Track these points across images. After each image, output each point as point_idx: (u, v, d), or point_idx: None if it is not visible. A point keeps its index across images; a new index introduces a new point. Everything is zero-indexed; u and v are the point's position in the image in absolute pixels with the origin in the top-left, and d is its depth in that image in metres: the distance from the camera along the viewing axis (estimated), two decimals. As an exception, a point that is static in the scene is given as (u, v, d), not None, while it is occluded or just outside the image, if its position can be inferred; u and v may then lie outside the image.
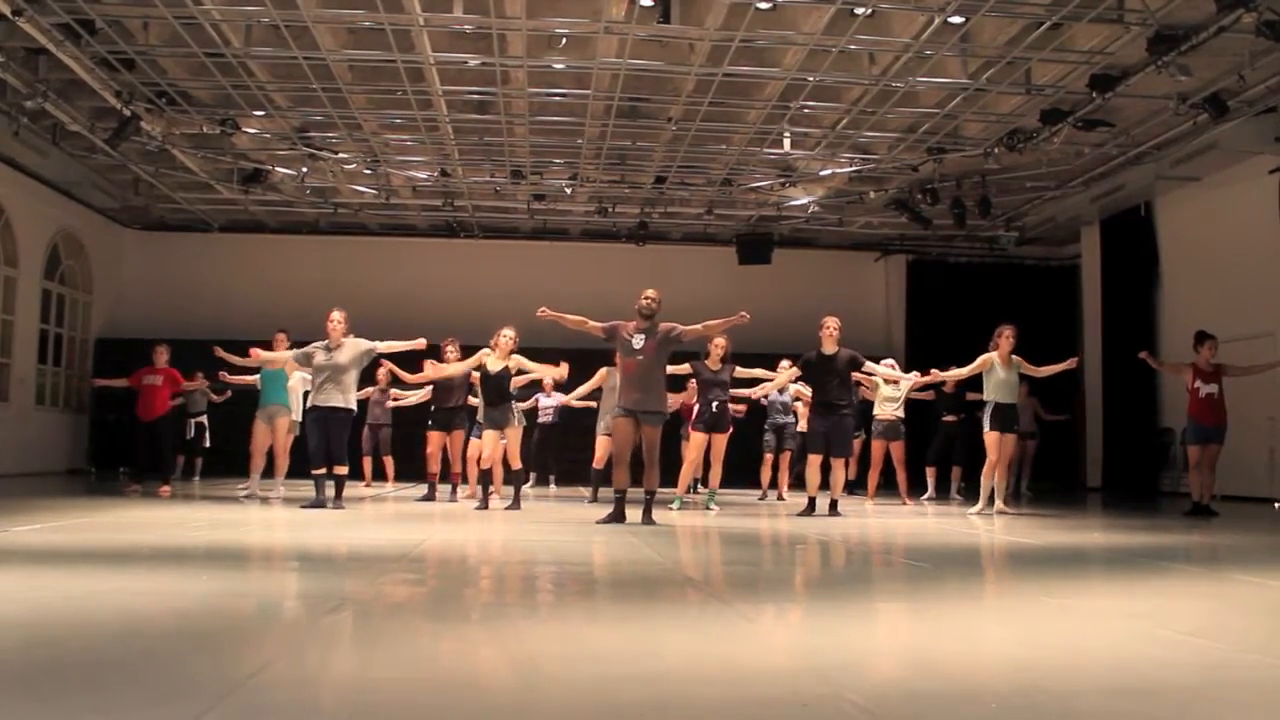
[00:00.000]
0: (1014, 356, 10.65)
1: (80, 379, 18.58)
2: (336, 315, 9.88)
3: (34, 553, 5.87)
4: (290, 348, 10.80)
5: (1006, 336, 10.65)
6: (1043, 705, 2.73)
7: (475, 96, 13.14)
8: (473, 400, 11.94)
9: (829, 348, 10.15)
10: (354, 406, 9.93)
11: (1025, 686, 2.92)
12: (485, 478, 10.54)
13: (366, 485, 14.68)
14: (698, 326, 8.91)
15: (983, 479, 10.82)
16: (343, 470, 9.83)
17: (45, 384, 17.62)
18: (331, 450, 9.74)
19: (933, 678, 3.09)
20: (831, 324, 10.22)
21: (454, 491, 12.30)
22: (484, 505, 10.25)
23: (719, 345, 11.04)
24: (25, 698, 2.60)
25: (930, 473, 13.88)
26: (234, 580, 5.22)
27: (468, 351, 11.89)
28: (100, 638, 3.40)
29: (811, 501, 10.21)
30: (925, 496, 13.68)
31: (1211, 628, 4.01)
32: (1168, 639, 3.75)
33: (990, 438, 10.65)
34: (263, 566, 5.97)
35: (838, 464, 10.26)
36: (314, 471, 9.84)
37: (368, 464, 14.98)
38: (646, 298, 8.92)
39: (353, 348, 9.87)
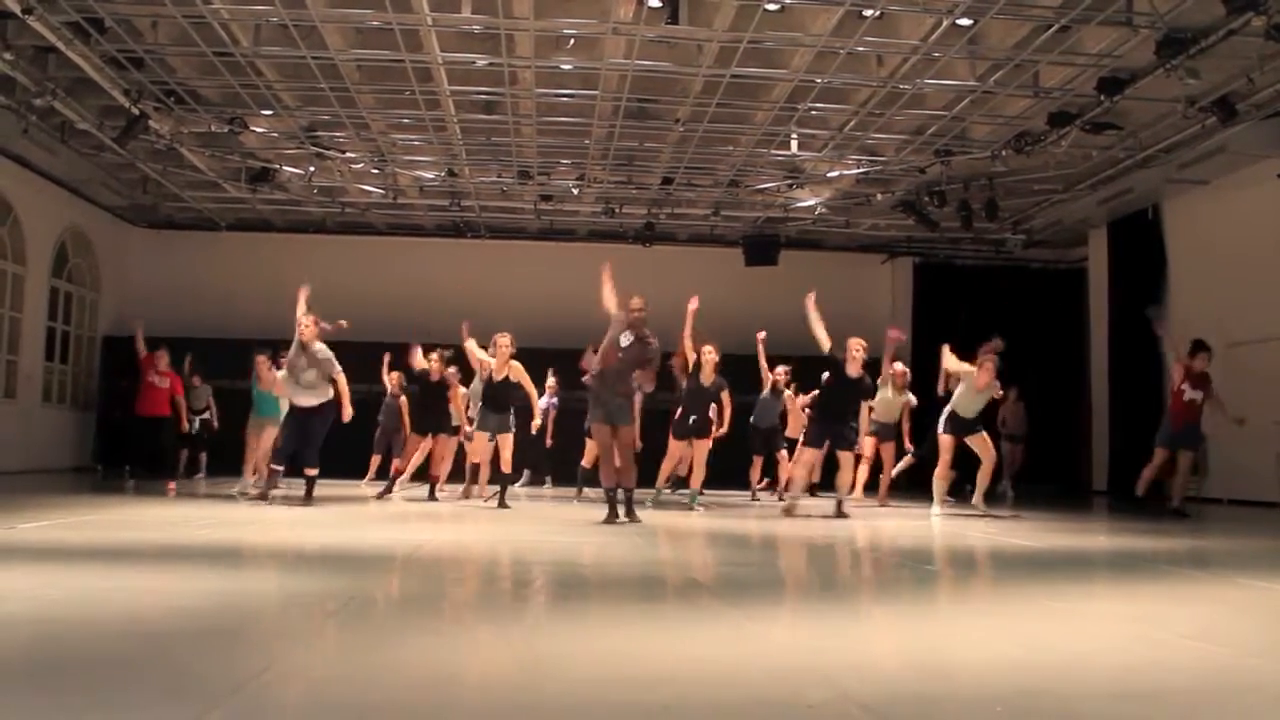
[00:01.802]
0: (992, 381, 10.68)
1: (87, 377, 18.62)
2: (306, 321, 10.09)
3: (40, 550, 5.89)
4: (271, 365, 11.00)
5: (987, 369, 10.62)
6: (1047, 709, 2.73)
7: (483, 97, 13.14)
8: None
9: (854, 371, 10.06)
10: (326, 399, 10.01)
11: (1029, 690, 2.92)
12: (500, 478, 10.60)
13: (369, 482, 14.69)
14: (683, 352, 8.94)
15: (935, 481, 10.93)
16: (312, 472, 9.97)
17: (52, 381, 17.65)
18: (303, 453, 9.95)
19: (937, 680, 3.09)
20: (857, 346, 10.06)
21: (432, 491, 12.28)
22: (496, 502, 10.36)
23: (710, 356, 11.04)
24: (31, 694, 2.62)
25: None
26: (239, 579, 5.24)
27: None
28: (105, 635, 3.41)
29: (796, 503, 10.36)
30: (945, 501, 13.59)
31: (1215, 632, 4.00)
32: (1171, 643, 3.75)
33: (943, 440, 10.83)
34: (267, 565, 5.98)
35: (845, 460, 10.26)
36: (273, 465, 10.07)
37: (376, 462, 14.94)
38: (635, 310, 8.96)
39: (323, 353, 10.01)
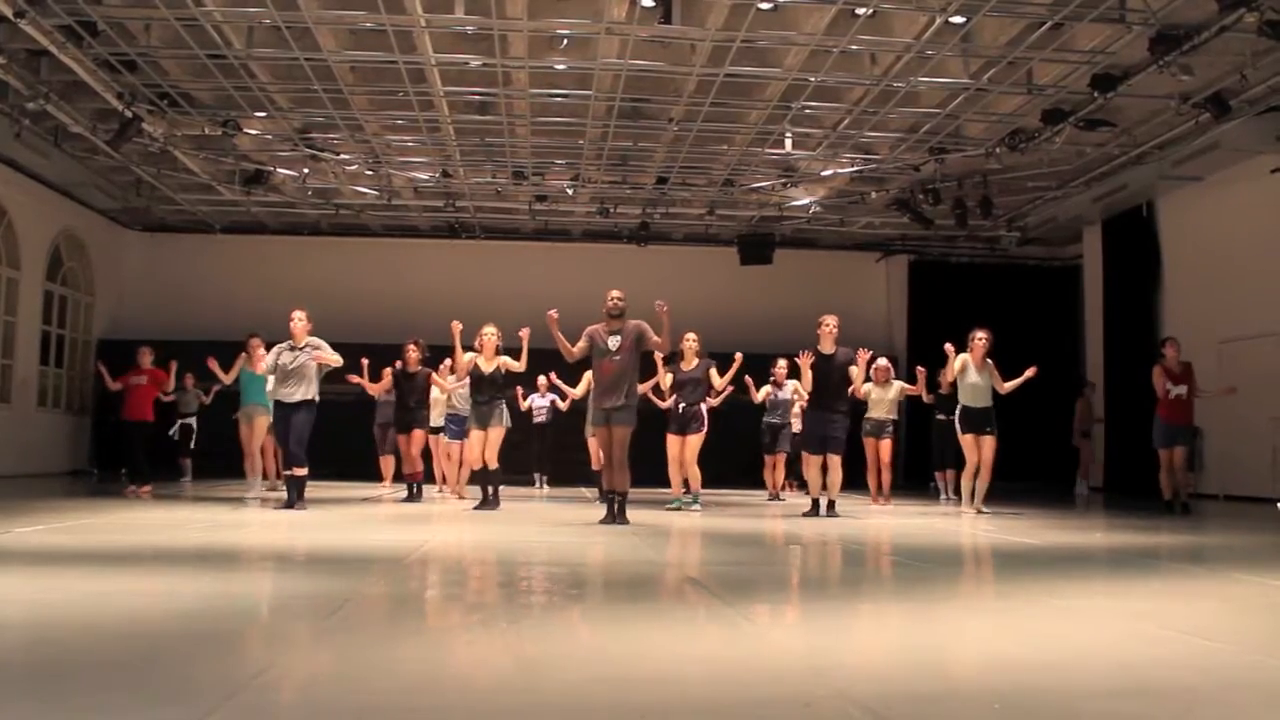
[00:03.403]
0: (989, 361, 10.68)
1: (82, 380, 18.59)
2: (299, 315, 9.97)
3: (37, 554, 5.88)
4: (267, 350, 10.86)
5: (979, 340, 10.69)
6: (1046, 706, 2.73)
7: (477, 97, 13.13)
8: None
9: (827, 347, 10.17)
10: (316, 397, 9.86)
11: (1028, 687, 2.92)
12: (480, 477, 10.55)
13: (385, 485, 14.58)
14: (658, 339, 8.90)
15: (963, 480, 11.00)
16: (301, 472, 9.80)
17: (47, 385, 17.63)
18: (290, 450, 9.78)
19: (935, 678, 3.09)
20: (830, 322, 10.24)
21: (419, 490, 12.21)
22: (486, 504, 10.30)
23: (691, 344, 11.01)
24: (29, 698, 2.61)
25: (940, 477, 13.81)
26: (236, 581, 5.24)
27: (437, 350, 12.01)
28: (103, 639, 3.40)
29: (815, 503, 10.21)
30: (947, 499, 13.53)
31: (1213, 628, 4.00)
32: (1170, 640, 3.75)
33: (964, 441, 10.80)
34: (265, 568, 5.97)
35: (834, 463, 10.24)
36: (285, 473, 9.87)
37: (388, 463, 14.79)
38: (613, 298, 9.02)
39: (315, 342, 9.90)
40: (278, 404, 9.89)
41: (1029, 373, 10.58)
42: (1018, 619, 4.28)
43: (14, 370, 16.30)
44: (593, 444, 11.81)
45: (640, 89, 12.68)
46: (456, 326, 10.54)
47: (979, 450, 10.67)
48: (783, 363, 12.99)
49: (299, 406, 9.75)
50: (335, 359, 9.90)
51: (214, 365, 11.83)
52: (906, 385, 12.71)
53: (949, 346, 10.90)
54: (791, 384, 12.88)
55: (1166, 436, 11.23)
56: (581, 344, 9.02)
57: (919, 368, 12.54)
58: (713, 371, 11.14)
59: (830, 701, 2.73)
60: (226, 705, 2.52)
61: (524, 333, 10.15)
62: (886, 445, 12.50)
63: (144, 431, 11.98)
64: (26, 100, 11.97)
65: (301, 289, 16.95)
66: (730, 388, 11.77)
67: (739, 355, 10.88)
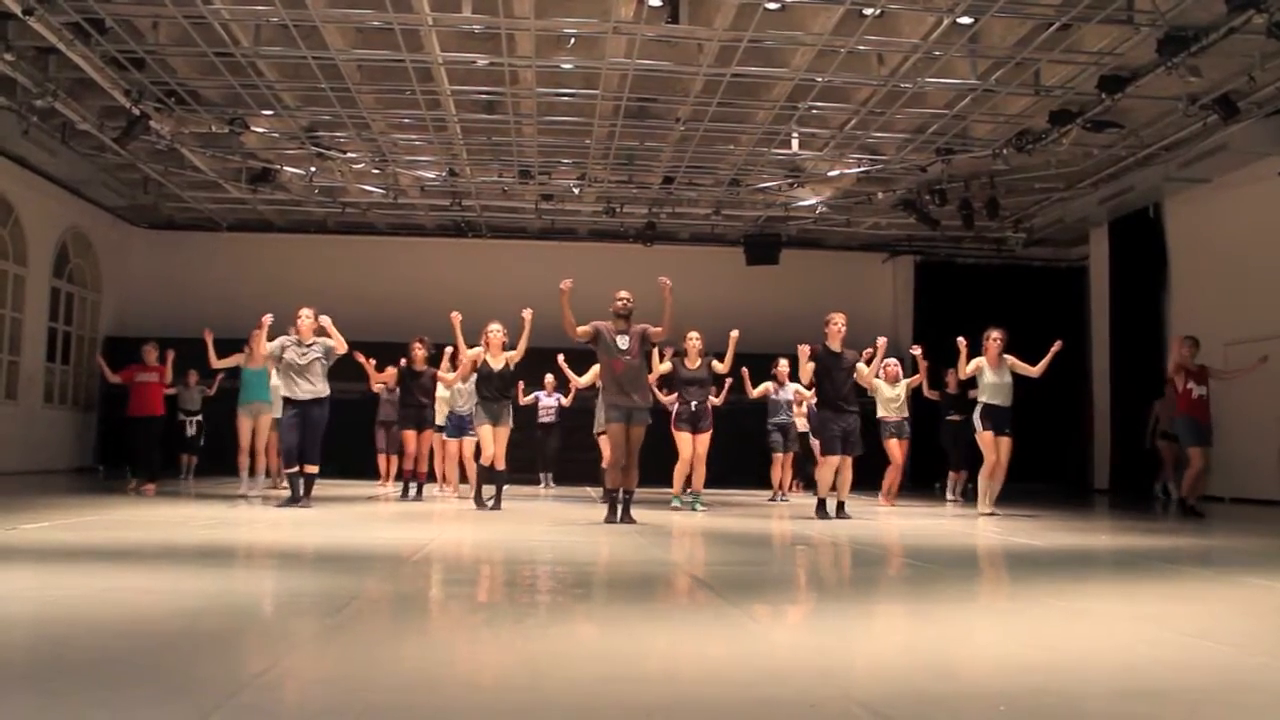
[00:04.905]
0: (1006, 357, 10.65)
1: (89, 377, 18.63)
2: (306, 312, 9.94)
3: (42, 551, 5.89)
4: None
5: (994, 340, 10.66)
6: (1051, 707, 2.72)
7: (484, 96, 13.14)
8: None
9: (836, 345, 10.09)
10: (328, 392, 9.87)
11: (1033, 689, 2.91)
12: (489, 475, 10.51)
13: (384, 484, 14.57)
14: (658, 328, 8.95)
15: (980, 480, 10.90)
16: (313, 469, 9.80)
17: (54, 382, 17.66)
18: (305, 449, 9.76)
19: (940, 679, 3.08)
20: (838, 320, 10.11)
21: (420, 490, 12.24)
22: (493, 503, 10.27)
23: (695, 343, 10.99)
24: (33, 694, 2.61)
25: (952, 477, 13.77)
26: (240, 579, 5.24)
27: (443, 349, 11.99)
28: (107, 635, 3.40)
29: (823, 503, 10.12)
30: (951, 500, 13.50)
31: (1219, 630, 3.99)
32: (1176, 642, 3.74)
33: (983, 439, 10.71)
34: (268, 566, 5.97)
35: (846, 463, 10.17)
36: (287, 470, 9.90)
37: (387, 462, 14.76)
38: (621, 299, 9.06)
39: (322, 344, 9.89)
40: (289, 401, 9.84)
41: (1056, 347, 10.51)
42: (1024, 621, 4.27)
43: (21, 367, 16.33)
44: (603, 441, 11.77)
45: (647, 88, 12.68)
46: (456, 317, 10.51)
47: (998, 450, 10.62)
48: (784, 362, 12.98)
49: (316, 403, 9.74)
50: (342, 342, 9.91)
51: (209, 338, 11.74)
52: (909, 380, 12.73)
53: (962, 340, 10.81)
54: (793, 385, 12.90)
55: (1198, 434, 11.01)
56: (587, 329, 8.95)
57: (920, 358, 12.46)
58: (714, 362, 11.15)
59: (835, 702, 2.72)
60: (229, 704, 2.52)
61: (527, 313, 10.07)
62: (904, 445, 12.50)
63: (150, 428, 11.99)
64: (35, 97, 12.00)
65: (308, 287, 16.98)
66: (730, 380, 11.81)
67: (734, 332, 10.88)
